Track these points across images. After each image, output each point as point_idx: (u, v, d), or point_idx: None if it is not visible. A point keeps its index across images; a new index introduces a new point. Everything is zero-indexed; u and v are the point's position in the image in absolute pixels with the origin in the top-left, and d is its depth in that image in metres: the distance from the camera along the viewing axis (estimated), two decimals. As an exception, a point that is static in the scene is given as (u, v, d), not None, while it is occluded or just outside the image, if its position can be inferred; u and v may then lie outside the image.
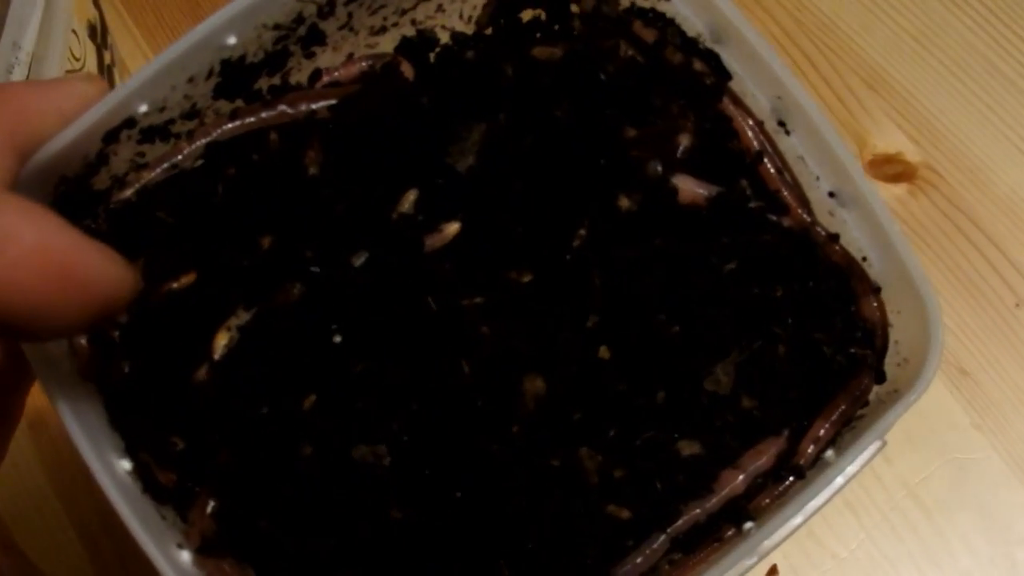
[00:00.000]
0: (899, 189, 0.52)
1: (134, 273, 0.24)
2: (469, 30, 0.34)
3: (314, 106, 0.31)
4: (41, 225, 0.22)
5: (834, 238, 0.29)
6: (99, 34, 0.45)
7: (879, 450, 0.27)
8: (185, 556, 0.27)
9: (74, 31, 0.42)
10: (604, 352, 0.28)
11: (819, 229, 0.29)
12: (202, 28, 0.28)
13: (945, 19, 0.55)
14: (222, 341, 0.28)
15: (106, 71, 0.46)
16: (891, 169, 0.53)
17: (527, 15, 0.34)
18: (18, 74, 0.38)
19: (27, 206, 0.22)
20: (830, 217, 0.30)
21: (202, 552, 0.27)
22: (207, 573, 0.27)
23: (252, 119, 0.30)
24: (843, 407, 0.28)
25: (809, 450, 0.28)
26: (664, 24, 0.31)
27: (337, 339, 0.28)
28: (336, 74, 0.32)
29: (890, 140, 0.53)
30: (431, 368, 0.28)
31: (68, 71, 0.41)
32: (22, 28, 0.38)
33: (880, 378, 0.29)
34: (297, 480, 0.28)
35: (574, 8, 0.33)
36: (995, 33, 0.54)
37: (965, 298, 0.50)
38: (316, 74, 0.32)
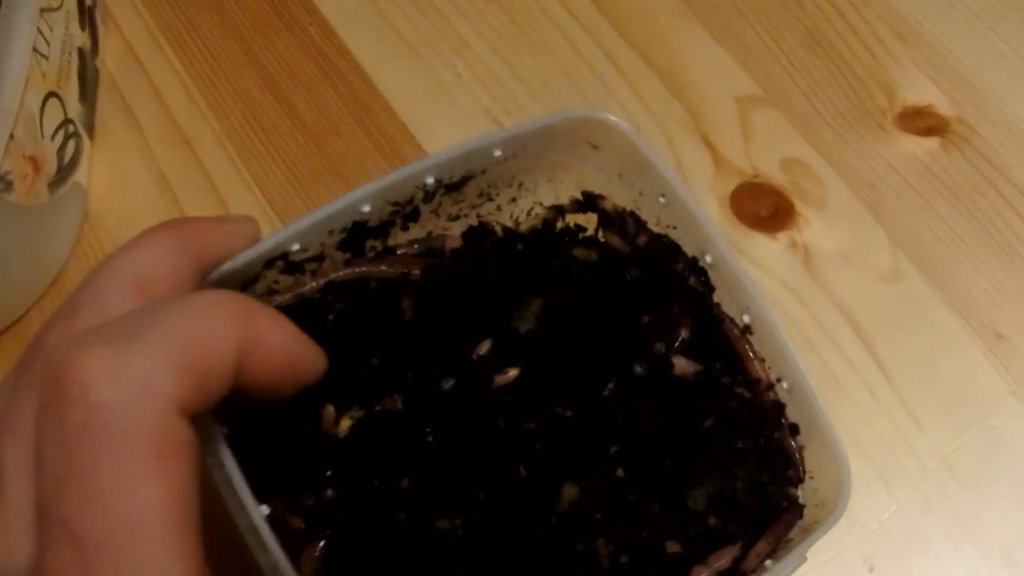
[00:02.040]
0: (930, 143, 0.53)
1: (324, 360, 0.34)
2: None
3: (405, 269, 0.43)
4: (283, 326, 0.29)
5: (779, 409, 0.42)
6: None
7: (800, 563, 0.39)
8: None
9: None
10: (620, 472, 0.41)
11: (773, 396, 0.43)
12: (351, 195, 0.40)
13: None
14: (345, 426, 0.40)
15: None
16: (922, 123, 0.53)
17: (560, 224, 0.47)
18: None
19: (270, 311, 0.29)
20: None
21: None
22: None
23: (361, 269, 0.43)
24: (779, 530, 0.41)
25: (755, 560, 0.41)
26: (671, 246, 0.45)
27: (429, 439, 0.40)
28: (404, 250, 0.44)
29: (921, 92, 0.53)
30: (497, 469, 0.40)
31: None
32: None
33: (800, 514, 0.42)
34: (391, 539, 0.39)
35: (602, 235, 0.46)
36: (1032, -18, 0.53)
37: (1000, 258, 0.50)
38: (389, 249, 0.44)
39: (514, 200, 0.46)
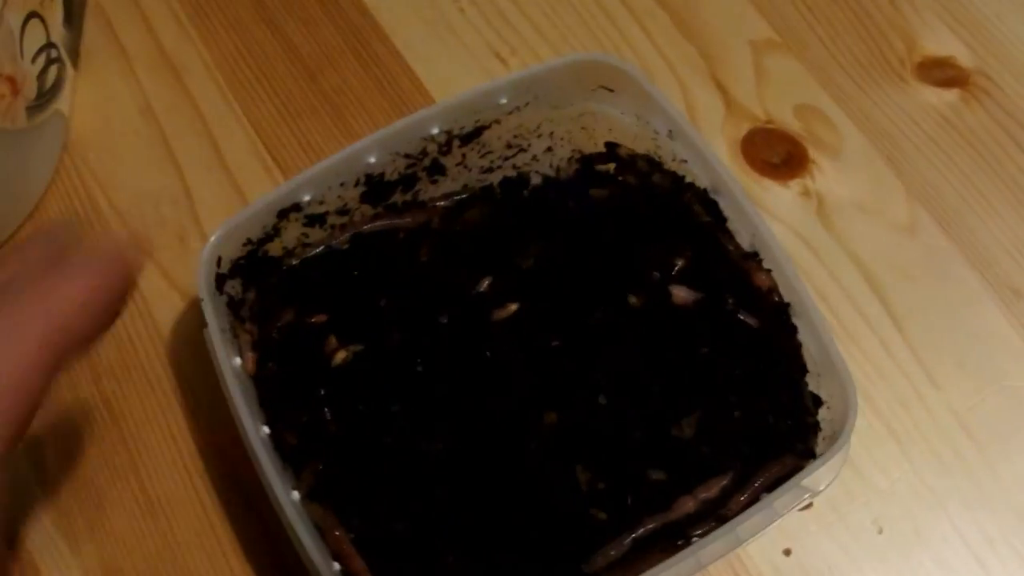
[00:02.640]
0: (950, 95, 0.51)
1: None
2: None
3: (428, 218, 0.45)
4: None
5: (786, 331, 0.41)
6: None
7: (799, 499, 0.38)
8: (295, 496, 0.38)
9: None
10: (602, 399, 0.41)
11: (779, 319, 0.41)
12: (350, 147, 0.42)
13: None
14: (340, 357, 0.41)
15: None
16: (941, 74, 0.52)
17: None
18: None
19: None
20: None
21: (309, 498, 0.38)
22: (309, 511, 0.37)
23: (386, 221, 0.45)
24: (779, 463, 0.39)
25: (750, 492, 0.39)
26: (681, 180, 0.44)
27: (420, 369, 0.41)
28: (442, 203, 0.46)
29: (941, 43, 0.52)
30: (482, 396, 0.41)
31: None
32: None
33: (808, 450, 0.40)
34: (379, 458, 0.40)
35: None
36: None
37: (1020, 212, 0.49)
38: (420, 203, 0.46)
39: (550, 150, 0.46)
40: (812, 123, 0.52)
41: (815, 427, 0.40)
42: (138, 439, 0.44)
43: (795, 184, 0.50)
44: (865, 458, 0.45)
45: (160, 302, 0.47)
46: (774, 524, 0.39)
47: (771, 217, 0.49)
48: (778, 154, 0.51)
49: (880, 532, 0.44)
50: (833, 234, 0.49)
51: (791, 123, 0.52)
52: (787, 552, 0.44)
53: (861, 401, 0.43)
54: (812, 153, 0.51)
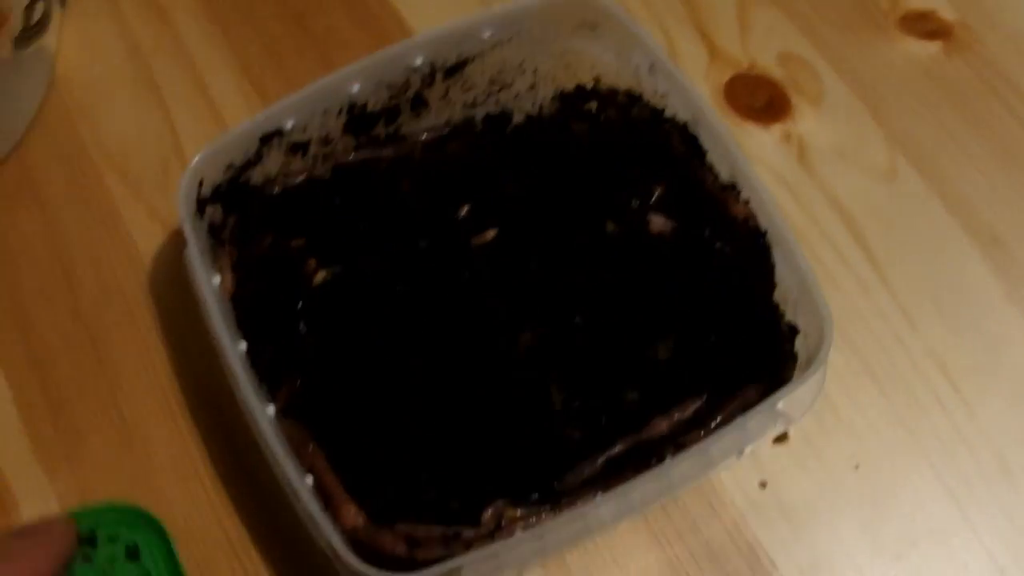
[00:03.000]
0: (933, 47, 0.52)
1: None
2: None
3: (410, 151, 0.46)
4: None
5: (762, 255, 0.41)
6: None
7: (773, 421, 0.38)
8: (270, 411, 0.38)
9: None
10: (578, 320, 0.41)
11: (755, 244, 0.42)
12: (333, 74, 0.42)
13: None
14: (320, 277, 0.42)
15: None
16: (924, 26, 0.53)
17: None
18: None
19: None
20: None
21: (284, 414, 0.38)
22: (283, 427, 0.37)
23: (368, 153, 0.45)
24: (754, 386, 0.40)
25: (724, 413, 0.40)
26: (661, 114, 0.44)
27: (399, 290, 0.42)
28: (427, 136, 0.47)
29: None
30: (460, 317, 0.41)
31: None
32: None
33: (784, 378, 0.40)
34: (355, 376, 0.40)
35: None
36: None
37: (1000, 163, 0.50)
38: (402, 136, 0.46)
39: (533, 87, 0.47)
40: (795, 71, 0.52)
41: (791, 355, 0.41)
42: (117, 367, 0.45)
43: (776, 129, 0.51)
44: (843, 396, 0.46)
45: (142, 233, 0.47)
46: (748, 451, 0.40)
47: (752, 160, 0.49)
48: (760, 99, 0.51)
49: (856, 468, 0.45)
50: (813, 178, 0.50)
51: (774, 70, 0.52)
52: (763, 484, 0.44)
53: (839, 340, 0.44)
54: (794, 99, 0.52)
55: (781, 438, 0.45)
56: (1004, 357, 0.47)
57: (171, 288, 0.46)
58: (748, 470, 0.44)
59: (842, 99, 0.52)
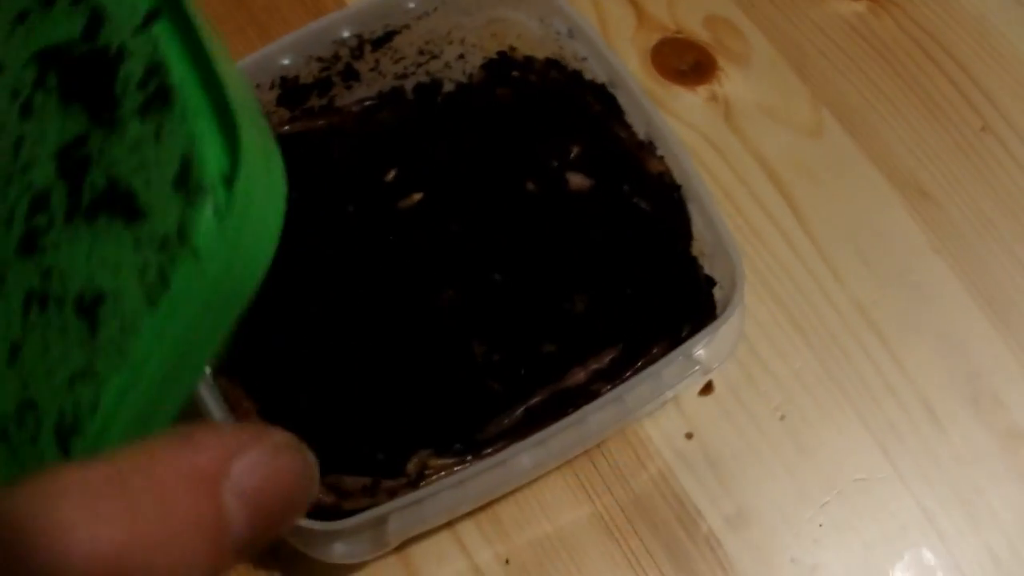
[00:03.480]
0: (859, 6, 0.54)
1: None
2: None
3: (342, 121, 0.47)
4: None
5: (683, 212, 0.43)
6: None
7: (690, 370, 0.39)
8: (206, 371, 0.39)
9: None
10: (498, 276, 0.43)
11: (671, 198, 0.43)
12: (263, 49, 0.44)
13: None
14: None
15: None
16: None
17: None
18: None
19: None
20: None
21: (218, 372, 0.40)
22: (218, 385, 0.39)
23: (301, 124, 0.46)
24: (670, 336, 0.41)
25: (641, 362, 0.41)
26: (580, 76, 0.46)
27: (327, 252, 0.43)
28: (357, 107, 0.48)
29: None
30: (385, 277, 0.43)
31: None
32: None
33: (699, 325, 0.41)
34: (285, 335, 0.41)
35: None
36: None
37: (929, 120, 0.51)
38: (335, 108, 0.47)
39: (462, 57, 0.48)
40: (721, 33, 0.54)
41: (710, 306, 0.42)
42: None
43: (703, 90, 0.52)
44: (768, 349, 0.47)
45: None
46: (669, 398, 0.41)
47: (679, 122, 0.51)
48: (687, 62, 0.53)
49: (782, 419, 0.46)
50: (740, 137, 0.51)
51: (700, 33, 0.54)
52: (689, 436, 0.45)
53: (765, 294, 0.45)
54: (721, 61, 0.53)
55: (706, 389, 0.46)
56: (930, 307, 0.48)
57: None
58: (675, 422, 0.45)
59: (768, 60, 0.53)
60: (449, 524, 0.43)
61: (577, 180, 0.44)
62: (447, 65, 0.48)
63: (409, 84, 0.48)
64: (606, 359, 0.41)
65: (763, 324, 0.47)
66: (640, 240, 0.43)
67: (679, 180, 0.43)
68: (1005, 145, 0.51)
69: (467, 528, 0.43)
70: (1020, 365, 0.48)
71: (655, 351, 0.41)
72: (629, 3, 0.54)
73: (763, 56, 0.53)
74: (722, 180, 0.50)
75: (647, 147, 0.44)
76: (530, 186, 0.44)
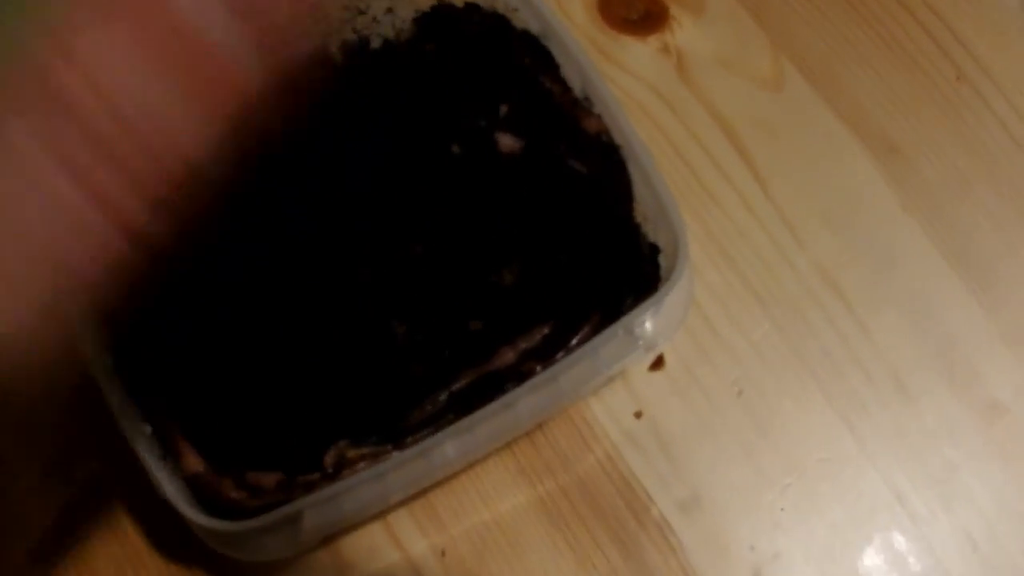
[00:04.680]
0: None
1: None
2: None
3: None
4: None
5: (622, 174, 0.39)
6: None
7: (632, 347, 0.36)
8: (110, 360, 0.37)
9: None
10: (419, 250, 0.40)
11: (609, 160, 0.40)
12: None
13: None
14: None
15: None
16: None
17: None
18: None
19: None
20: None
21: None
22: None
23: None
24: (607, 309, 0.38)
25: (575, 338, 0.38)
26: (510, 26, 0.42)
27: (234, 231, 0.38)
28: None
29: None
30: (296, 253, 0.39)
31: None
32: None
33: (643, 297, 0.38)
34: (198, 318, 0.38)
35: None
36: None
37: (900, 70, 0.47)
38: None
39: (391, 11, 0.45)
40: (673, -21, 0.50)
41: (653, 276, 0.39)
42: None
43: (653, 40, 0.49)
44: (723, 319, 0.44)
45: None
46: (615, 376, 0.38)
47: (628, 75, 0.48)
48: (637, 10, 0.49)
49: (739, 395, 0.43)
50: (693, 90, 0.48)
51: (651, -21, 0.50)
52: (638, 415, 0.42)
53: (720, 259, 0.42)
54: (673, 9, 0.49)
55: (657, 364, 0.43)
56: (900, 270, 0.45)
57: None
58: (622, 400, 0.42)
59: (724, 7, 0.49)
60: (380, 515, 0.40)
61: (507, 141, 0.41)
62: (375, 20, 0.45)
63: (334, 43, 0.44)
64: (537, 337, 0.38)
65: (718, 293, 0.44)
66: (575, 205, 0.40)
67: (618, 140, 0.39)
68: (982, 96, 0.48)
69: (400, 519, 0.41)
70: (999, 333, 0.45)
71: (590, 326, 0.38)
72: (575, -50, 0.51)
73: (718, 3, 0.50)
74: (674, 137, 0.47)
75: (583, 104, 0.40)
76: (455, 149, 0.41)
